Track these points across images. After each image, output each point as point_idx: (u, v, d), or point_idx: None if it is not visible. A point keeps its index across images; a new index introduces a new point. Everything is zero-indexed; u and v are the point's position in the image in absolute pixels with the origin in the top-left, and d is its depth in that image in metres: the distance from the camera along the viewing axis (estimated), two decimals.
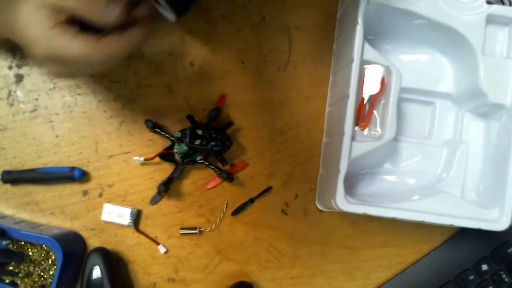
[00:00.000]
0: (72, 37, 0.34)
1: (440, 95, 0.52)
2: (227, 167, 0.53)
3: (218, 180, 0.53)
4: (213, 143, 0.50)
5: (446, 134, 0.53)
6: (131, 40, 0.36)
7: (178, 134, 0.51)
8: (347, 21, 0.50)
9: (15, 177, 0.52)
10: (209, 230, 0.53)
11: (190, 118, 0.52)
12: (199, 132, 0.50)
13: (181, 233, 0.53)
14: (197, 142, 0.49)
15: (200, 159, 0.52)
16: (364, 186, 0.51)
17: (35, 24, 0.34)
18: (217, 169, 0.52)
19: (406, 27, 0.50)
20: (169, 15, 0.46)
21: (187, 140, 0.49)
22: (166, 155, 0.52)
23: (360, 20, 0.45)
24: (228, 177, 0.51)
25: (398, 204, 0.47)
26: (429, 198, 0.47)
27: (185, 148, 0.50)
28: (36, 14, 0.34)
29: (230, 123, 0.53)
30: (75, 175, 0.51)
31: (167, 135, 0.52)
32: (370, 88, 0.48)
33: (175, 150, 0.51)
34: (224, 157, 0.52)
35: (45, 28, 0.34)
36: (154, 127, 0.51)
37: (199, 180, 0.53)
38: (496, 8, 0.47)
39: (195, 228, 0.53)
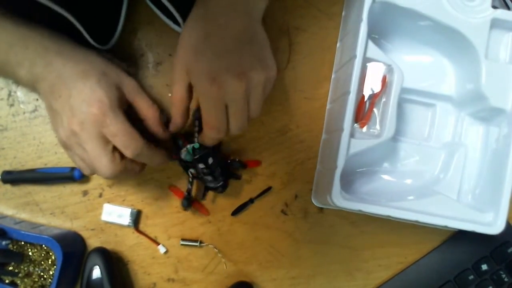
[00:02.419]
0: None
1: (441, 98, 0.52)
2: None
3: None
4: (210, 179, 0.49)
5: (445, 137, 0.53)
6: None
7: (196, 145, 0.47)
8: (352, 19, 0.50)
9: (15, 177, 0.52)
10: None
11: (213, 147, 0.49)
12: (210, 161, 0.47)
13: (182, 244, 0.53)
14: (202, 166, 0.47)
15: (192, 173, 0.50)
16: (361, 184, 0.52)
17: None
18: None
19: (410, 28, 0.50)
20: (180, 29, 0.48)
21: (196, 157, 0.47)
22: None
23: (364, 17, 0.45)
24: (188, 204, 0.50)
25: (394, 203, 0.47)
26: (425, 199, 0.48)
27: (189, 159, 0.47)
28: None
29: (237, 176, 0.53)
30: (75, 175, 0.51)
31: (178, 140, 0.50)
32: (371, 86, 0.49)
33: (182, 155, 0.48)
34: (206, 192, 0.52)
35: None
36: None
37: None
38: (501, 13, 0.47)
39: (196, 241, 0.53)
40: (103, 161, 0.41)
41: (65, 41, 0.44)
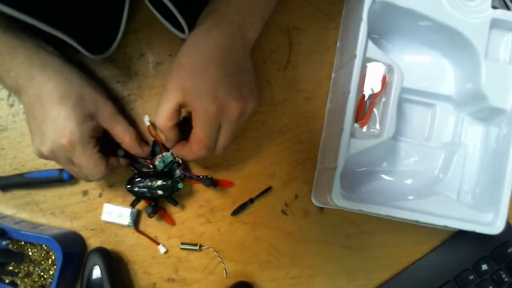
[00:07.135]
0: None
1: (441, 98, 0.52)
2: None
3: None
4: (160, 192, 0.49)
5: (445, 137, 0.53)
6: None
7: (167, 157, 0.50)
8: (351, 19, 0.50)
9: (4, 183, 0.51)
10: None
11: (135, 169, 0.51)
12: (177, 173, 0.50)
13: (181, 248, 0.53)
14: (138, 189, 0.49)
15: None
16: (361, 183, 0.52)
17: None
18: (196, 178, 0.52)
19: (410, 28, 0.50)
20: (182, 34, 0.49)
21: (166, 169, 0.50)
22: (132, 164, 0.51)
23: (364, 17, 0.45)
24: (212, 183, 0.51)
25: (394, 202, 0.47)
26: (425, 199, 0.48)
27: (161, 167, 0.50)
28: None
29: (175, 202, 0.51)
30: (64, 177, 0.51)
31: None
32: (371, 86, 0.49)
33: (156, 161, 0.51)
34: (173, 197, 0.51)
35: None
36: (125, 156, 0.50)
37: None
38: (501, 13, 0.47)
39: (195, 245, 0.53)
40: (83, 174, 0.46)
41: (50, 56, 0.44)
